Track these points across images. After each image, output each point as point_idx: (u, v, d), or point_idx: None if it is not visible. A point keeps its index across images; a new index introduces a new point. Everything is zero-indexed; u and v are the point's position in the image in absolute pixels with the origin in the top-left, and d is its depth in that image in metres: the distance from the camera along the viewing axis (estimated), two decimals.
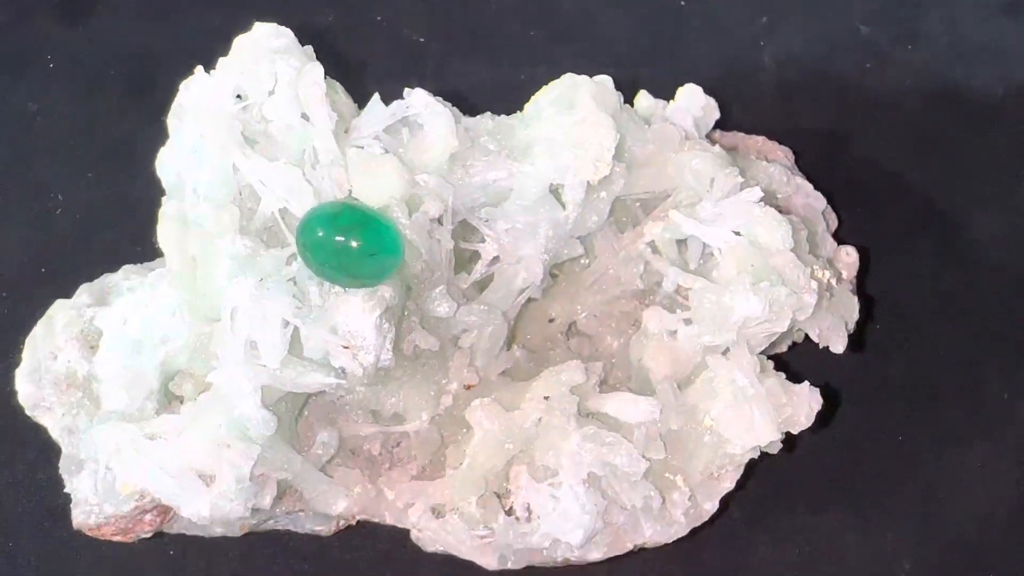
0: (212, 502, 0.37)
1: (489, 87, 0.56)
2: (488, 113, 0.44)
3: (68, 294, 0.47)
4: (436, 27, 0.58)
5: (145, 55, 0.56)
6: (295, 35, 0.55)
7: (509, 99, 0.52)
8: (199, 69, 0.41)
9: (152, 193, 0.49)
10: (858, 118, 0.56)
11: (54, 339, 0.43)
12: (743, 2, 0.58)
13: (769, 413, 0.40)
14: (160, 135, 0.51)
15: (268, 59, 0.39)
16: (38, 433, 0.46)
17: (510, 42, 0.57)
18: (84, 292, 0.44)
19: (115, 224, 0.52)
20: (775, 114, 0.56)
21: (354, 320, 0.38)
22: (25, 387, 0.43)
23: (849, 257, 0.47)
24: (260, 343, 0.38)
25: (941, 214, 0.53)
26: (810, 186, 0.49)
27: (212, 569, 0.45)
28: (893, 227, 0.53)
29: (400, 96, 0.53)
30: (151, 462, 0.38)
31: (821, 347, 0.44)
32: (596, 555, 0.41)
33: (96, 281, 0.45)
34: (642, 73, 0.56)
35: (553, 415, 0.40)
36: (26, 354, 0.44)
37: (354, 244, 0.37)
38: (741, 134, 0.52)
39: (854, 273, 0.47)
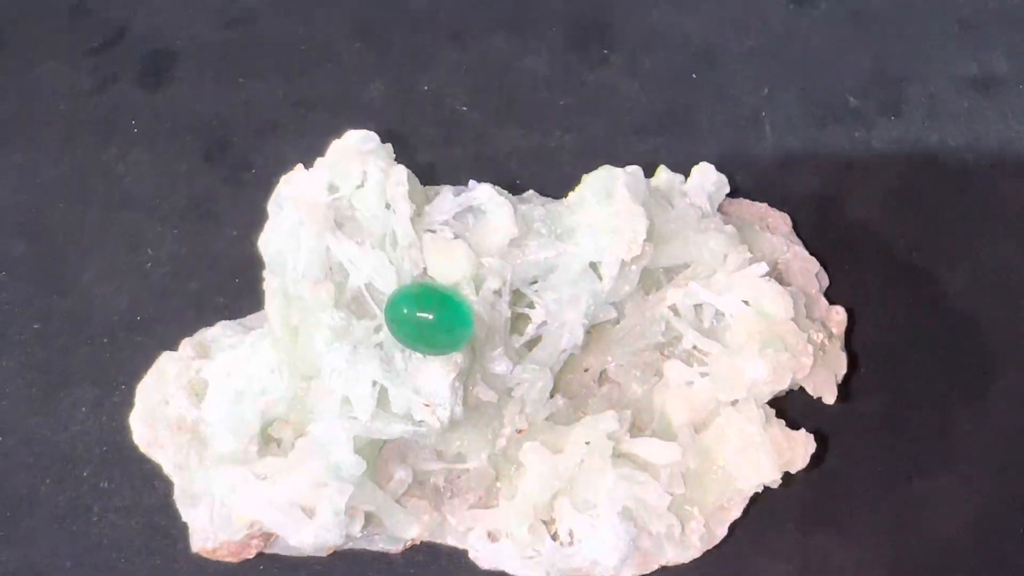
0: (315, 532, 0.44)
1: (523, 151, 0.60)
2: (536, 195, 0.51)
3: (162, 339, 0.53)
4: (476, 97, 0.62)
5: (217, 120, 0.61)
6: (348, 103, 0.62)
7: (542, 163, 0.60)
8: (299, 166, 0.47)
9: (230, 248, 0.58)
10: (846, 181, 0.60)
11: (165, 387, 0.49)
12: (747, 76, 0.63)
13: (773, 457, 0.47)
14: (235, 193, 0.59)
15: (359, 159, 0.46)
16: (141, 464, 0.52)
17: (542, 111, 0.61)
18: (187, 345, 0.50)
19: (198, 276, 0.57)
20: (775, 176, 0.60)
21: (433, 382, 0.44)
22: (140, 428, 0.49)
23: (838, 316, 0.53)
24: (353, 399, 0.44)
25: (917, 269, 0.58)
26: (805, 252, 0.55)
27: None
28: (875, 282, 0.57)
29: (447, 161, 0.60)
30: (262, 498, 0.44)
31: (814, 397, 0.51)
32: (627, 574, 0.48)
33: (196, 335, 0.51)
34: (658, 140, 0.61)
35: (593, 457, 0.47)
36: (139, 400, 0.50)
37: (434, 320, 0.43)
38: (746, 201, 0.57)
39: (843, 330, 0.53)
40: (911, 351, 0.57)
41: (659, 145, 0.61)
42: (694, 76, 0.64)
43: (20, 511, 0.53)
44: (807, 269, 0.55)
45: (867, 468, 0.54)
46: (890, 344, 0.57)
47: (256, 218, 0.51)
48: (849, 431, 0.55)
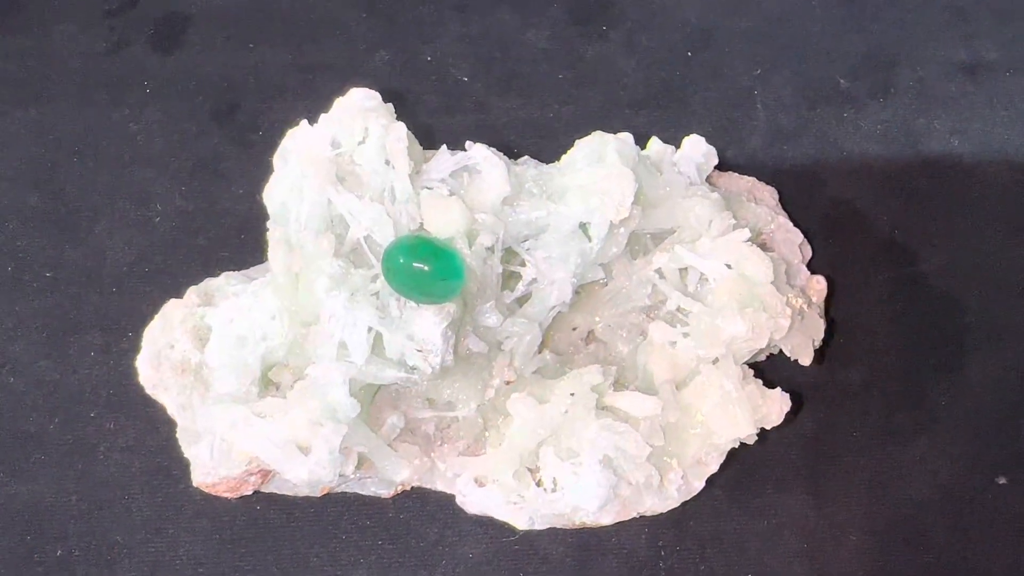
0: (310, 469, 0.46)
1: (522, 122, 0.62)
2: (531, 159, 0.53)
3: (169, 290, 0.55)
4: (478, 68, 0.64)
5: (227, 83, 0.63)
6: (354, 70, 0.64)
7: (539, 133, 0.62)
8: (304, 122, 0.49)
9: (235, 205, 0.60)
10: (833, 160, 0.62)
11: (171, 332, 0.51)
12: (740, 55, 0.65)
13: (749, 413, 0.49)
14: (242, 153, 0.61)
15: (361, 116, 0.48)
16: (145, 407, 0.54)
17: (541, 84, 0.64)
18: (192, 293, 0.53)
19: (205, 231, 0.59)
20: (764, 153, 0.62)
21: (426, 329, 0.46)
22: (146, 371, 0.51)
23: (819, 285, 0.55)
24: (349, 344, 0.46)
25: (898, 247, 0.60)
26: (790, 223, 0.57)
27: (291, 522, 0.54)
28: (857, 257, 0.59)
29: (448, 128, 0.62)
30: (261, 435, 0.47)
31: (792, 360, 0.53)
32: (606, 519, 0.50)
33: (201, 284, 0.53)
34: (653, 115, 0.63)
35: (577, 408, 0.49)
36: (145, 344, 0.52)
37: (428, 270, 0.45)
38: (735, 174, 0.59)
39: (822, 298, 0.55)
40: (889, 324, 0.59)
41: (653, 120, 0.63)
42: (689, 54, 0.66)
43: (29, 448, 0.55)
44: (791, 240, 0.57)
45: (843, 433, 0.57)
46: (869, 317, 0.59)
47: (262, 177, 0.52)
48: (826, 397, 0.57)
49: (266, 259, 0.53)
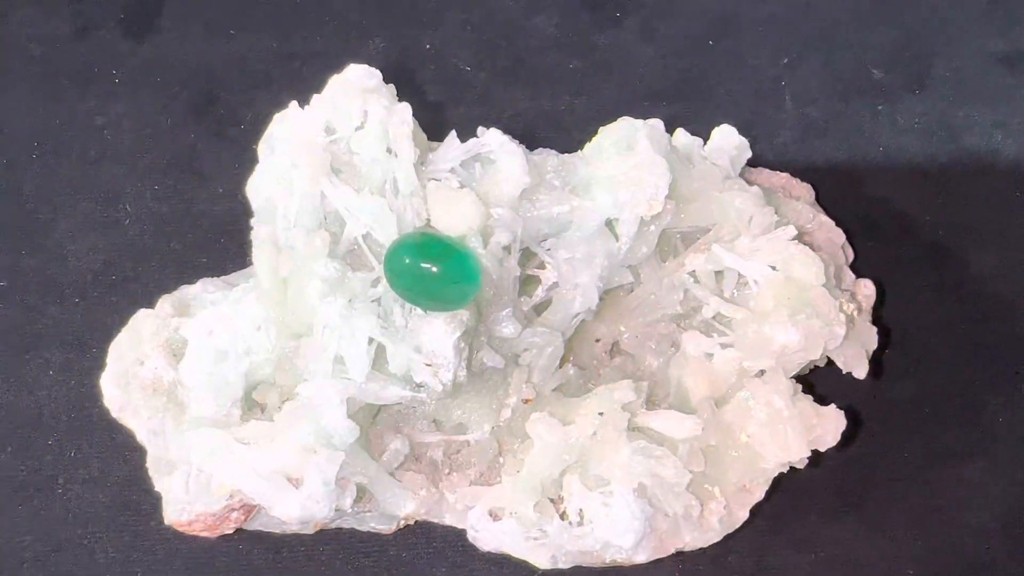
0: (301, 503, 0.41)
1: (531, 115, 0.59)
2: (550, 150, 0.48)
3: (139, 300, 0.51)
4: (482, 56, 0.60)
5: (206, 73, 0.59)
6: (345, 59, 0.60)
7: (549, 127, 0.59)
8: (293, 104, 0.44)
9: (214, 206, 0.57)
10: (869, 156, 0.59)
11: (141, 347, 0.46)
12: (766, 43, 0.62)
13: (801, 433, 0.44)
14: (222, 149, 0.58)
15: (360, 97, 0.43)
16: (112, 433, 0.50)
17: (551, 73, 0.60)
18: (166, 302, 0.48)
19: (180, 234, 0.55)
20: (795, 148, 0.59)
21: (436, 340, 0.41)
22: (111, 391, 0.46)
23: (867, 290, 0.51)
24: (347, 358, 0.42)
25: (943, 248, 0.57)
26: (831, 222, 0.53)
27: (278, 563, 0.49)
28: (901, 260, 0.56)
29: (449, 122, 0.59)
30: (244, 465, 0.41)
31: (844, 372, 0.48)
32: (641, 557, 0.45)
33: (175, 292, 0.49)
34: (673, 108, 0.60)
35: (607, 429, 0.44)
36: (111, 360, 0.47)
37: (438, 272, 0.41)
38: (767, 171, 0.55)
39: (871, 304, 0.51)
40: (939, 333, 0.56)
41: (673, 113, 0.60)
42: (711, 43, 0.62)
43: None
44: (833, 240, 0.53)
45: (894, 454, 0.53)
46: (916, 325, 0.56)
47: (243, 175, 0.49)
48: (874, 415, 0.53)
49: (249, 264, 0.49)
